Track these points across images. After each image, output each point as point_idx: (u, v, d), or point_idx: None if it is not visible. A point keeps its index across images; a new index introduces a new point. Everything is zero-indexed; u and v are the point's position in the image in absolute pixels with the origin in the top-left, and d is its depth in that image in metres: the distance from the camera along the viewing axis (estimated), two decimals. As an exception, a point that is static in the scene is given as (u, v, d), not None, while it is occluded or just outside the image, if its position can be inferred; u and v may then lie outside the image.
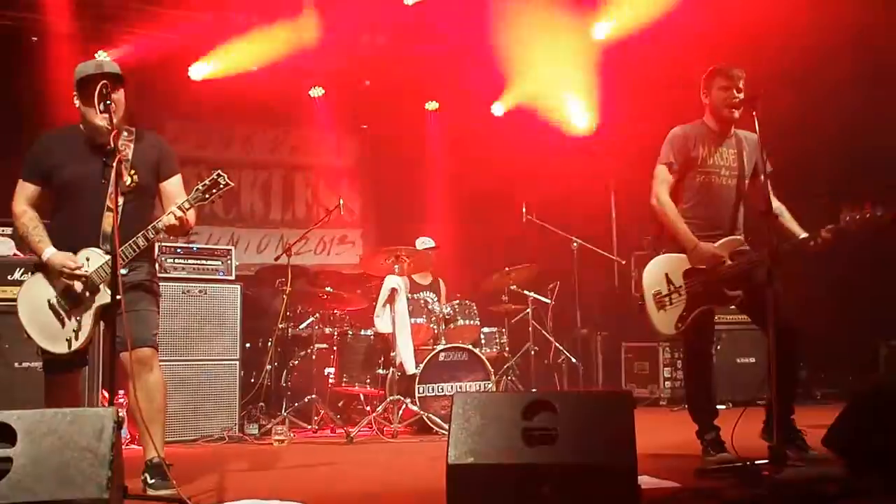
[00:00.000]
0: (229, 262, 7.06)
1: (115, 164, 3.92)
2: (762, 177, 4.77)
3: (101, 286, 4.20)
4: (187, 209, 4.24)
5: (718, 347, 8.46)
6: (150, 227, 4.22)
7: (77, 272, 4.20)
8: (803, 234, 4.79)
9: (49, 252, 4.25)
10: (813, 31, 7.74)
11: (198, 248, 7.01)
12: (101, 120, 4.08)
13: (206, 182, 4.19)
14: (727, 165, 5.04)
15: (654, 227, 5.15)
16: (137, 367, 4.19)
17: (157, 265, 4.64)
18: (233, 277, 7.08)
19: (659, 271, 4.98)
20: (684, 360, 5.46)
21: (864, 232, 4.59)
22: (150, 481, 4.13)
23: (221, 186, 4.17)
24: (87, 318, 4.24)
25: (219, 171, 4.19)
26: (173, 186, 4.55)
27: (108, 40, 8.69)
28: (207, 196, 4.19)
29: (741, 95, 4.93)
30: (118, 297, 3.88)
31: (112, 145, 3.97)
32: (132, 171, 4.36)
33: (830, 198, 7.39)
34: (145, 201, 4.48)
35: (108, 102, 4.01)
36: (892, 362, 8.69)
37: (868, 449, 3.95)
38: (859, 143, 8.46)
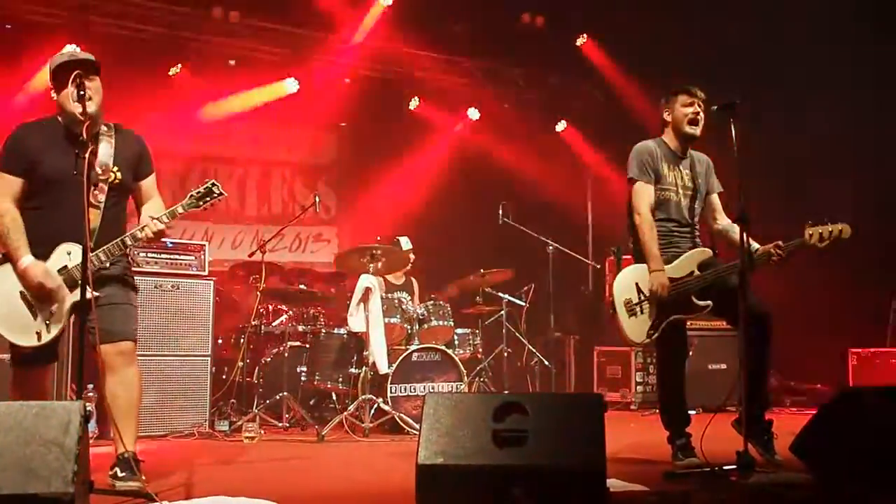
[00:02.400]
0: (203, 257, 7.01)
1: (87, 155, 3.85)
2: (714, 195, 5.23)
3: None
4: (180, 213, 4.28)
5: (690, 354, 8.50)
6: (128, 234, 4.20)
7: (47, 291, 4.11)
8: (756, 246, 4.86)
9: (26, 262, 4.10)
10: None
11: (171, 244, 6.95)
12: (76, 108, 4.01)
13: (201, 190, 4.31)
14: (683, 185, 5.18)
15: (632, 237, 5.22)
16: (119, 360, 4.17)
17: (129, 259, 4.58)
18: (206, 273, 7.03)
19: (629, 280, 5.04)
20: (657, 367, 5.52)
21: (824, 249, 4.74)
22: (120, 475, 4.09)
23: (215, 195, 4.32)
24: (61, 311, 4.14)
25: (213, 181, 4.34)
26: (149, 185, 4.53)
27: (84, 32, 8.62)
28: (201, 204, 4.30)
29: (701, 114, 5.06)
30: (95, 293, 3.86)
31: (84, 136, 3.92)
32: (115, 169, 4.32)
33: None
34: (125, 199, 4.46)
35: (83, 93, 3.97)
36: (860, 371, 8.78)
37: (835, 457, 3.99)
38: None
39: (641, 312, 4.98)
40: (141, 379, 4.34)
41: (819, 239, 4.73)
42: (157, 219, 4.20)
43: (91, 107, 4.04)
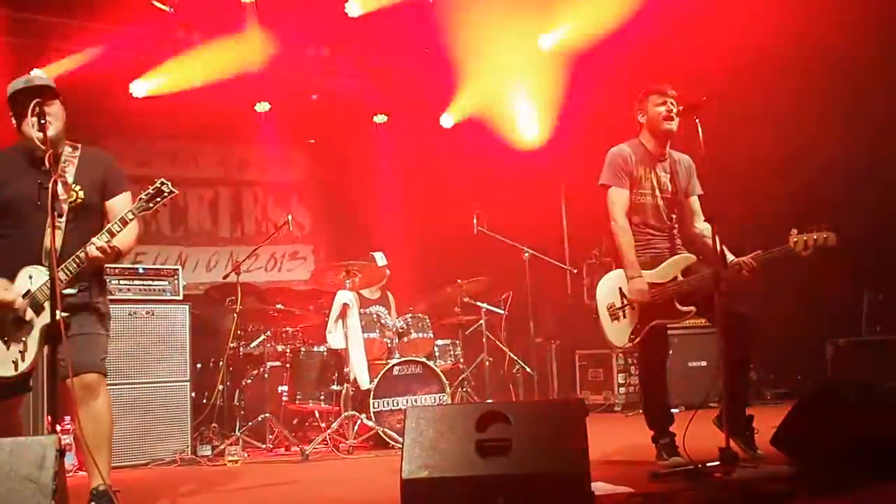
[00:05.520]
0: (176, 281, 6.95)
1: (51, 184, 3.81)
2: (694, 198, 5.21)
3: (46, 304, 4.00)
4: (131, 219, 4.17)
5: (671, 352, 8.52)
6: (82, 249, 4.09)
7: (7, 304, 4.05)
8: (730, 257, 4.88)
9: None
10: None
11: (144, 269, 6.89)
12: (38, 135, 3.96)
13: (150, 191, 4.19)
14: (661, 187, 5.19)
15: (608, 241, 5.27)
16: (83, 393, 4.08)
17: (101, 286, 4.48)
18: (181, 297, 6.97)
19: (613, 285, 5.09)
20: (640, 369, 5.54)
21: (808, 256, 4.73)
22: None
23: (165, 194, 4.20)
24: (33, 339, 4.07)
25: (162, 180, 4.22)
26: (120, 205, 4.41)
27: (45, 57, 8.55)
28: (152, 205, 4.19)
29: (676, 109, 5.04)
30: (58, 318, 3.76)
31: (47, 165, 3.88)
32: (77, 187, 4.26)
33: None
34: (90, 219, 4.34)
35: (43, 121, 3.94)
36: (838, 362, 8.84)
37: (815, 448, 4.01)
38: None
39: (624, 317, 5.03)
40: (110, 409, 4.25)
41: (804, 246, 4.71)
42: (108, 229, 4.11)
43: (52, 132, 4.01)
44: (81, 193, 4.27)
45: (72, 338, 4.01)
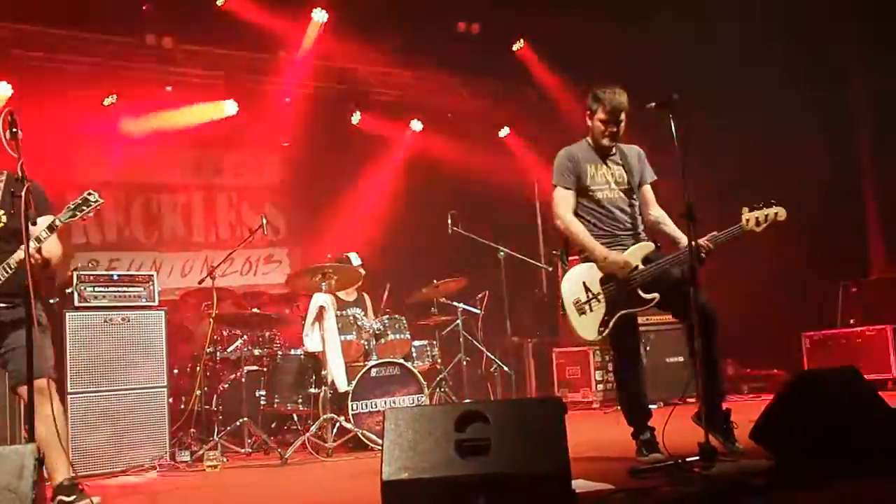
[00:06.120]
0: (152, 287, 6.89)
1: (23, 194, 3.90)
2: (647, 186, 5.31)
3: None
4: (58, 227, 4.41)
5: (648, 348, 8.58)
6: (8, 259, 4.35)
7: None
8: (683, 242, 4.91)
9: None
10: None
11: (118, 276, 6.83)
12: None
13: (78, 201, 4.52)
14: (615, 180, 5.23)
15: (562, 240, 5.36)
16: (35, 399, 4.16)
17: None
18: (156, 303, 6.91)
19: (577, 280, 5.12)
20: (614, 365, 5.56)
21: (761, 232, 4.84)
22: (67, 500, 4.09)
23: (92, 203, 4.53)
24: None
25: (90, 191, 4.55)
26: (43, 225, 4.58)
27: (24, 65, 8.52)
28: (78, 214, 4.50)
29: (620, 127, 5.14)
30: None
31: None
32: (0, 212, 4.50)
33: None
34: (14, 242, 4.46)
35: (16, 130, 4.04)
36: (814, 354, 8.94)
37: (794, 440, 4.04)
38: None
39: (591, 310, 5.05)
40: (59, 411, 4.36)
41: (756, 223, 4.81)
42: (36, 237, 4.31)
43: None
44: (4, 218, 4.53)
45: (16, 350, 4.29)
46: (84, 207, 4.48)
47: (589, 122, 5.24)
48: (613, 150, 5.28)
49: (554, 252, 6.26)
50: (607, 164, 5.24)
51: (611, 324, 5.02)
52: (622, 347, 5.23)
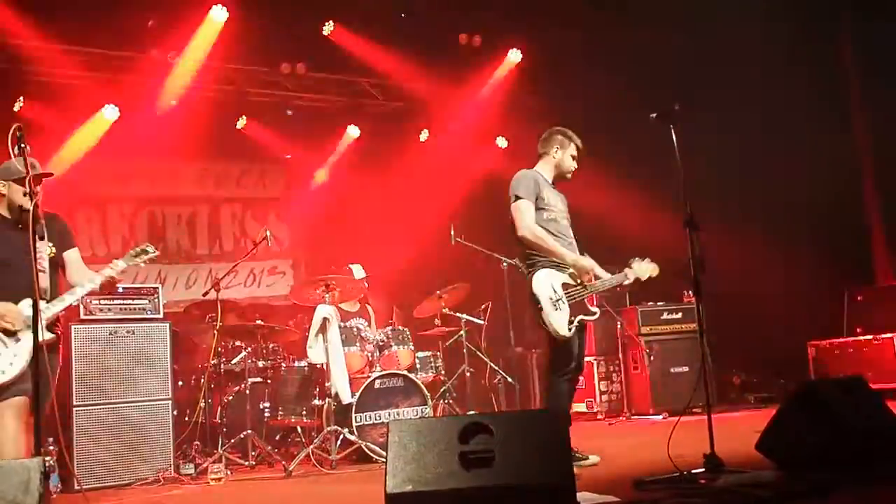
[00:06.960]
0: (157, 300, 6.91)
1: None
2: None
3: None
4: (122, 268, 5.02)
5: (652, 358, 8.58)
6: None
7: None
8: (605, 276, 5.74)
9: None
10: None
11: (123, 289, 6.84)
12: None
13: (138, 249, 5.20)
14: (560, 208, 5.82)
15: (520, 249, 5.76)
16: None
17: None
18: (161, 316, 6.93)
19: (546, 281, 5.53)
20: (554, 365, 5.72)
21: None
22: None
23: (149, 253, 5.22)
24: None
25: (147, 243, 5.28)
26: (73, 257, 5.12)
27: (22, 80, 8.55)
28: (136, 260, 5.15)
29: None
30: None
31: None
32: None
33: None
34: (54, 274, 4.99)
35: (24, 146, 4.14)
36: (820, 363, 8.91)
37: (800, 450, 4.03)
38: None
39: (560, 309, 5.44)
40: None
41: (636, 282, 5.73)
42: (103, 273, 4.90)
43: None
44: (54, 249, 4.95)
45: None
46: (143, 255, 5.18)
47: (555, 155, 5.83)
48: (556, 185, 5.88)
49: (512, 261, 6.67)
50: (555, 193, 5.84)
51: (574, 324, 5.44)
52: (573, 348, 5.54)
